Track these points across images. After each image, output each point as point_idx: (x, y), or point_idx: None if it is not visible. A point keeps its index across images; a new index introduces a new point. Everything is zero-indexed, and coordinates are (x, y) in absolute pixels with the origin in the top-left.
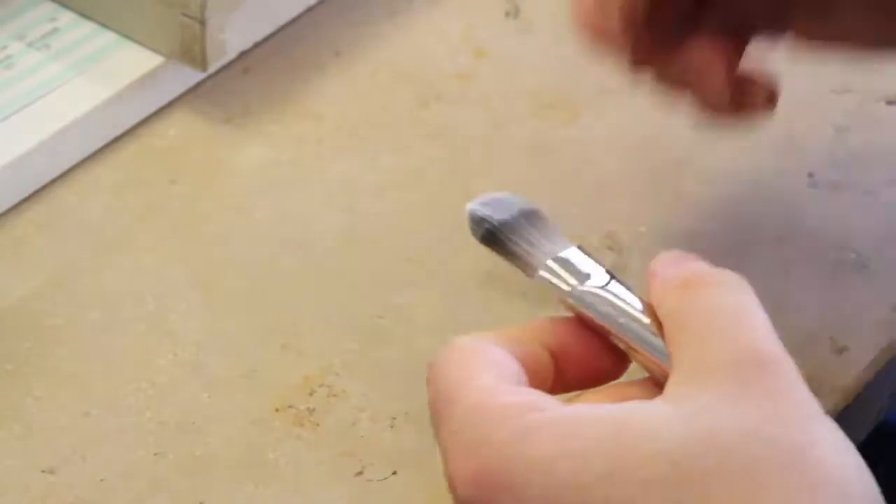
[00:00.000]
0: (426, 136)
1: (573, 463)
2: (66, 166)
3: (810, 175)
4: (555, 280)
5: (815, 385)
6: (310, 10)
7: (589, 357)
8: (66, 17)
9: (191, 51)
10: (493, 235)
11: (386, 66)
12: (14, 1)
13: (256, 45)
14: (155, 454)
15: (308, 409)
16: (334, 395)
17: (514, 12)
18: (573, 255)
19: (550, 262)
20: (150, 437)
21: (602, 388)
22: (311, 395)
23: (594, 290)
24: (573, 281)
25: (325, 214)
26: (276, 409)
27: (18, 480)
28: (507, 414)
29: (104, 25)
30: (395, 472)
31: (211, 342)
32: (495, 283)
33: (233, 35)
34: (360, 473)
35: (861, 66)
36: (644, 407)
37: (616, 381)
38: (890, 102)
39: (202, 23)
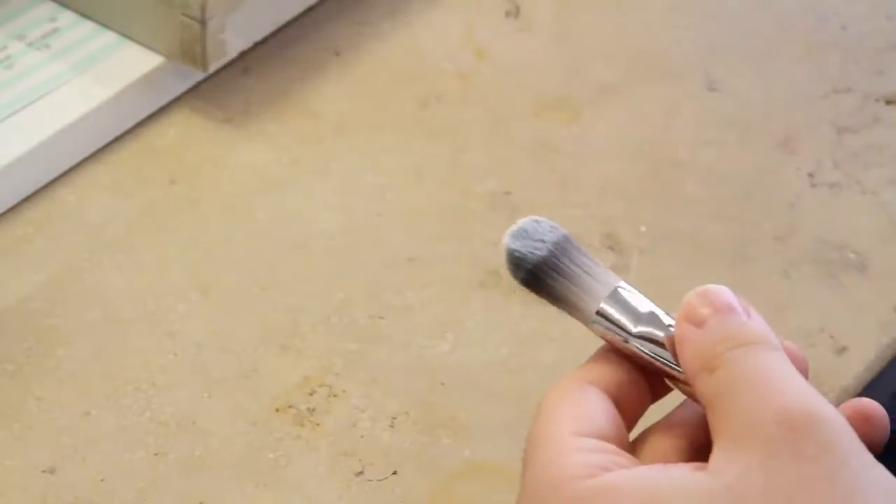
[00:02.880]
0: (426, 136)
1: None
2: (66, 166)
3: (810, 175)
4: (610, 326)
5: (816, 385)
6: (310, 10)
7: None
8: (66, 17)
9: (191, 51)
10: (537, 278)
11: (386, 66)
12: (14, 1)
13: (256, 45)
14: (155, 454)
15: (308, 409)
16: (334, 395)
17: (514, 12)
18: (622, 293)
19: (604, 306)
20: (150, 437)
21: (665, 428)
22: (311, 395)
23: (653, 331)
24: (629, 324)
25: (325, 214)
26: (276, 409)
27: (18, 480)
28: (566, 476)
29: (104, 25)
30: (395, 472)
31: (211, 342)
32: (495, 283)
33: (233, 35)
34: (360, 473)
35: (861, 66)
36: (686, 480)
37: (680, 413)
38: (890, 102)
39: (202, 23)
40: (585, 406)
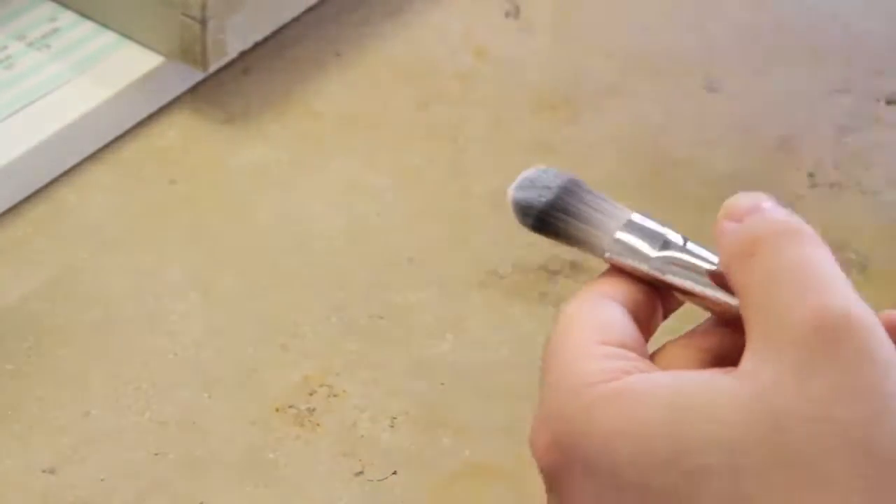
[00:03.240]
0: (426, 136)
1: (636, 444)
2: (66, 166)
3: (810, 175)
4: (627, 255)
5: None
6: (310, 10)
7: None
8: (66, 17)
9: (191, 51)
10: (544, 222)
11: (386, 66)
12: (14, 1)
13: (256, 45)
14: (155, 454)
15: (308, 409)
16: (334, 395)
17: (514, 12)
18: (636, 221)
19: (619, 235)
20: (150, 437)
21: (686, 340)
22: (311, 395)
23: (673, 255)
24: (648, 250)
25: (325, 214)
26: (276, 409)
27: (18, 480)
28: (586, 381)
29: (104, 25)
30: (395, 472)
31: (211, 342)
32: (495, 283)
33: (233, 35)
34: (360, 473)
35: (861, 66)
36: (712, 382)
37: (703, 328)
38: (890, 102)
39: (202, 23)
40: (607, 316)
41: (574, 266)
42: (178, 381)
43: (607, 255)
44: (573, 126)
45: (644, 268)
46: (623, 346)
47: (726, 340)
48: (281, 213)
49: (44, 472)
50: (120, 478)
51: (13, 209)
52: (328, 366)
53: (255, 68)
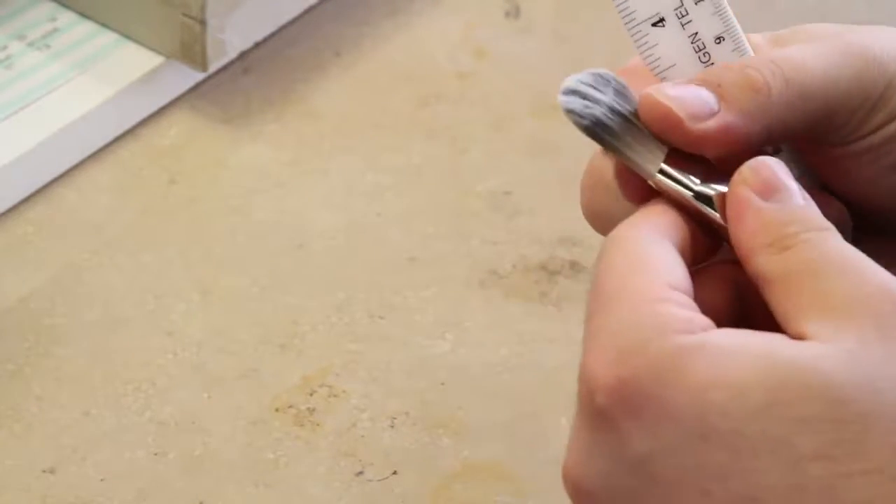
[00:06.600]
0: (426, 136)
1: (729, 393)
2: (66, 166)
3: None
4: (673, 183)
5: None
6: (310, 10)
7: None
8: (66, 17)
9: (191, 51)
10: (597, 134)
11: (386, 66)
12: (14, 1)
13: (256, 45)
14: (155, 454)
15: (308, 409)
16: (334, 395)
17: (514, 12)
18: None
19: (664, 167)
20: (150, 437)
21: (711, 270)
22: (311, 395)
23: (717, 188)
24: (690, 181)
25: (325, 214)
26: (276, 409)
27: (18, 480)
28: (669, 327)
29: (104, 25)
30: (395, 472)
31: (211, 342)
32: (495, 283)
33: (233, 35)
34: (360, 473)
35: None
36: (792, 343)
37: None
38: None
39: (202, 23)
40: (671, 260)
41: (574, 266)
42: (178, 381)
43: (656, 178)
44: (573, 126)
45: (688, 198)
46: (689, 294)
47: (740, 270)
48: (281, 212)
49: (44, 472)
50: (120, 478)
51: (13, 209)
52: (328, 366)
53: (255, 68)
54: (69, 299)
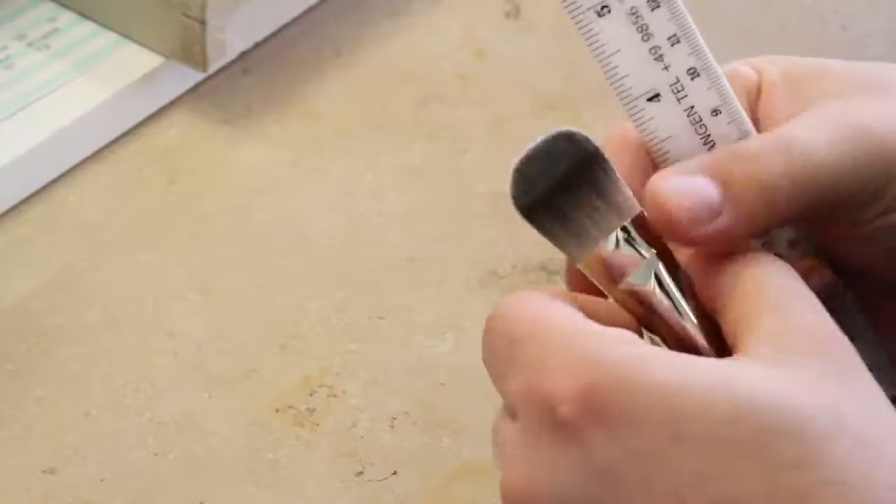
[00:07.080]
0: (426, 136)
1: (697, 399)
2: (66, 166)
3: None
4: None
5: None
6: (310, 10)
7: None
8: (66, 17)
9: (191, 51)
10: (531, 218)
11: (386, 66)
12: (14, 1)
13: (256, 45)
14: (155, 454)
15: (308, 409)
16: (334, 396)
17: (514, 12)
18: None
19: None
20: (150, 437)
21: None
22: (311, 395)
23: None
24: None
25: (325, 214)
26: (276, 409)
27: (18, 480)
28: (618, 338)
29: (104, 25)
30: (395, 472)
31: (211, 342)
32: (495, 283)
33: (233, 35)
34: (360, 473)
35: None
36: (737, 363)
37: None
38: None
39: (202, 23)
40: (570, 309)
41: None
42: (178, 381)
43: (580, 265)
44: (573, 126)
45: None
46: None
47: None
48: (281, 212)
49: (44, 472)
50: (120, 478)
51: (13, 209)
52: (328, 366)
53: (255, 68)
54: (69, 299)
